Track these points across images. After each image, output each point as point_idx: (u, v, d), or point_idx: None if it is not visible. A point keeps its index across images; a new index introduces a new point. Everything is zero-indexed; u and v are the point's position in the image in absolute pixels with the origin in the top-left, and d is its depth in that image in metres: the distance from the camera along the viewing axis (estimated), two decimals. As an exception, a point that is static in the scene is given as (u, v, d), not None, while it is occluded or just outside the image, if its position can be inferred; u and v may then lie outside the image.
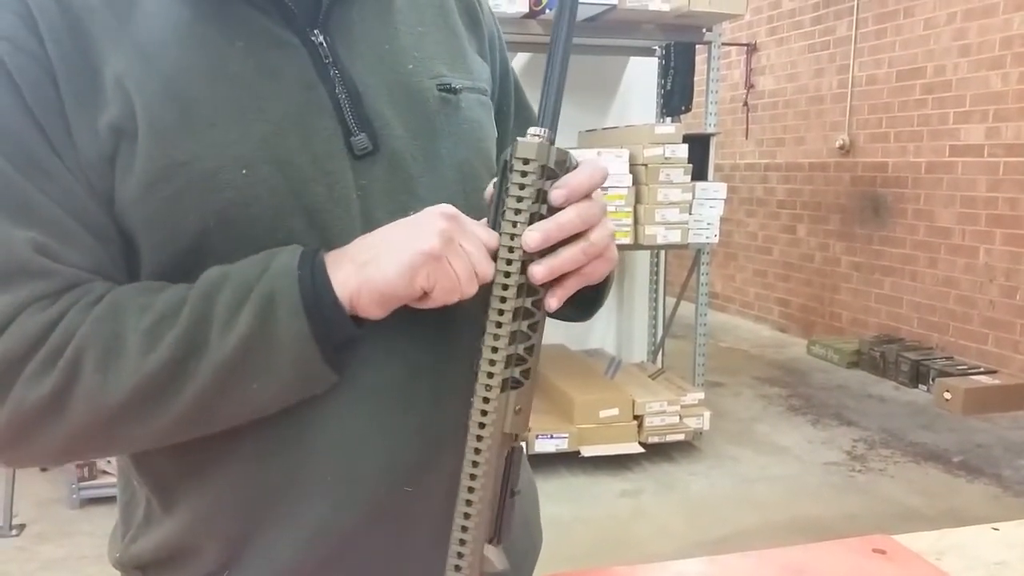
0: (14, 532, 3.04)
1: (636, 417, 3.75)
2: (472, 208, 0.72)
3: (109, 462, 3.28)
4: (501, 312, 0.60)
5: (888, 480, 3.67)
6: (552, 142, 0.61)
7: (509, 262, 0.60)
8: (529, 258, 0.60)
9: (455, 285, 0.59)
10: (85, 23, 0.61)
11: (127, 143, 0.61)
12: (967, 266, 5.02)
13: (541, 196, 0.60)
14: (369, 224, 0.66)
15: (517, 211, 0.60)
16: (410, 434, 0.68)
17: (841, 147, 5.94)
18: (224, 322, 0.59)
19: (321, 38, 0.67)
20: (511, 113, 0.87)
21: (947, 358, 5.05)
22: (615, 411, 3.71)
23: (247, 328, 0.58)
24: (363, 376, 0.65)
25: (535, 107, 0.67)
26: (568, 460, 3.62)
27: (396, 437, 0.67)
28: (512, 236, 0.60)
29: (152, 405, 0.59)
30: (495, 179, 0.64)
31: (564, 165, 0.62)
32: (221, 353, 0.58)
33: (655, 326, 4.67)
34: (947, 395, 4.58)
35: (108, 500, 3.21)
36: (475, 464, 0.62)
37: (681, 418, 3.84)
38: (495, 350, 0.61)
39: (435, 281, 0.59)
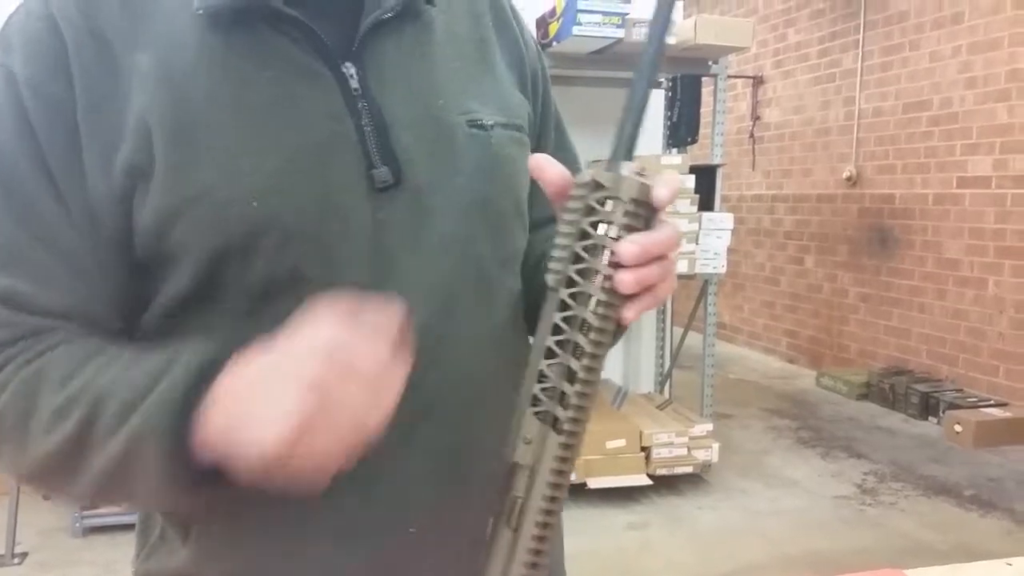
0: (16, 560, 3.02)
1: (643, 448, 3.72)
2: (494, 244, 0.72)
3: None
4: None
5: (899, 514, 3.63)
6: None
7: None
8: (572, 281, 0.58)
9: (333, 451, 0.52)
10: (119, 59, 0.62)
11: (143, 181, 0.61)
12: (976, 298, 5.00)
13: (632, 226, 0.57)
14: (381, 259, 0.65)
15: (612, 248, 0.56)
16: (419, 477, 0.67)
17: (848, 178, 5.95)
18: (103, 436, 0.57)
19: (353, 70, 0.67)
20: (549, 148, 0.85)
21: (957, 390, 5.00)
22: (622, 442, 3.68)
23: (116, 458, 0.57)
24: None
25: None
26: (574, 491, 3.58)
27: (405, 480, 0.67)
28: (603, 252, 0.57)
29: (61, 478, 0.61)
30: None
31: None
32: (100, 463, 0.58)
33: (662, 356, 4.65)
34: (957, 428, 4.54)
35: (111, 529, 3.19)
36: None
37: (689, 450, 3.81)
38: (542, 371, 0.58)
39: (309, 453, 0.51)
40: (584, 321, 0.57)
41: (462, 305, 0.69)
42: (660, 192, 0.57)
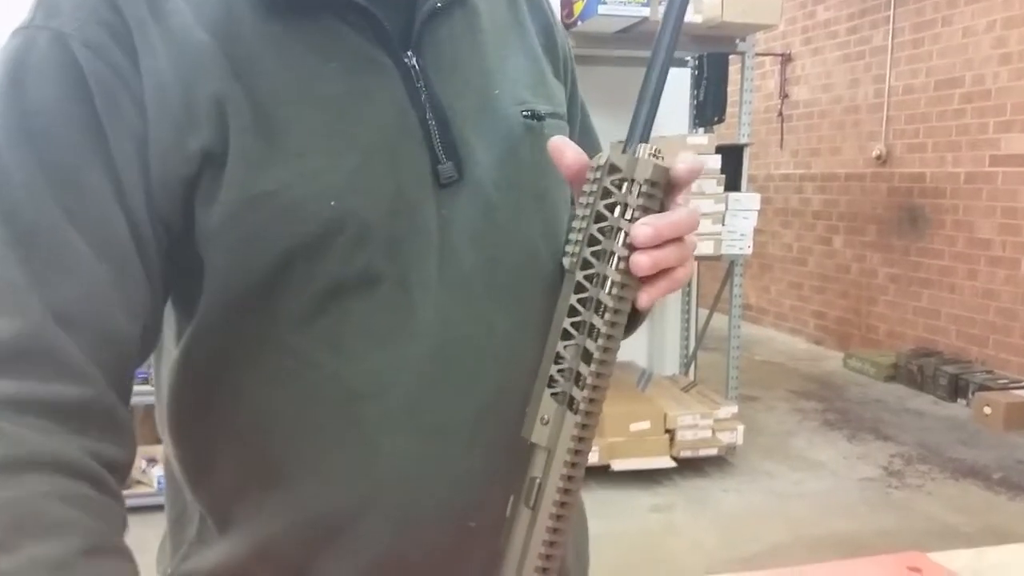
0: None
1: (668, 431, 3.72)
2: (549, 238, 0.71)
3: (144, 471, 3.32)
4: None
5: (925, 496, 3.60)
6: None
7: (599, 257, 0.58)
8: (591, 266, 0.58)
9: None
10: (183, 35, 0.58)
11: (213, 170, 0.58)
12: (1008, 278, 4.92)
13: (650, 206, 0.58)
14: (447, 254, 0.64)
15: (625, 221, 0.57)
16: (473, 474, 0.66)
17: (878, 157, 5.87)
18: None
19: (414, 60, 0.65)
20: (576, 132, 0.84)
21: (987, 372, 4.94)
22: (646, 424, 3.68)
23: None
24: (429, 416, 0.64)
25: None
26: (598, 474, 3.59)
27: (459, 476, 0.66)
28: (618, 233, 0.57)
29: None
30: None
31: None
32: None
33: (687, 338, 4.63)
34: (987, 410, 4.48)
35: (142, 510, 3.24)
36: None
37: (714, 432, 3.80)
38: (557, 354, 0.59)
39: None
40: (600, 302, 0.57)
41: (522, 300, 0.68)
42: (679, 170, 0.57)
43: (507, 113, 0.69)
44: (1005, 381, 4.75)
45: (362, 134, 0.62)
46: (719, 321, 4.41)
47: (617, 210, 0.57)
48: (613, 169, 0.57)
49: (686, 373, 4.56)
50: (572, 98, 0.83)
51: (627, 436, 3.65)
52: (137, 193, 0.57)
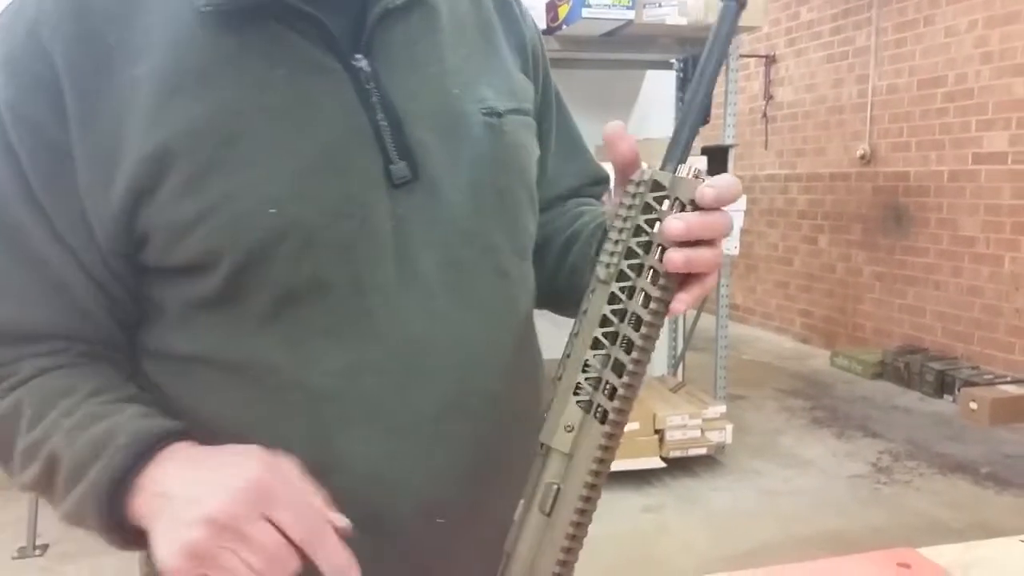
0: (38, 552, 3.05)
1: (657, 431, 3.73)
2: (510, 234, 0.72)
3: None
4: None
5: (914, 492, 3.62)
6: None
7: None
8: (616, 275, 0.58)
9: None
10: (115, 69, 0.60)
11: (148, 195, 0.60)
12: (992, 274, 4.96)
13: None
14: (404, 254, 0.65)
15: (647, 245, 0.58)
16: (439, 471, 0.67)
17: (862, 157, 5.90)
18: (61, 492, 0.61)
19: (364, 62, 0.65)
20: (552, 129, 0.85)
21: (973, 368, 4.98)
22: (635, 425, 3.68)
23: (70, 510, 0.61)
24: (390, 416, 0.65)
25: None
26: (589, 474, 3.58)
27: (424, 474, 0.67)
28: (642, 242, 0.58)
29: (48, 499, 0.64)
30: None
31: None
32: (63, 507, 0.62)
33: (675, 339, 4.65)
34: (973, 405, 4.51)
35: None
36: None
37: (703, 432, 3.81)
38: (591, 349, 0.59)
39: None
40: (635, 315, 0.58)
41: (483, 297, 0.69)
42: (705, 192, 0.57)
43: (465, 111, 0.70)
44: (990, 377, 4.79)
45: (306, 140, 0.62)
46: (706, 321, 4.43)
47: (657, 226, 0.57)
48: (656, 186, 0.58)
49: (675, 373, 4.56)
50: (545, 94, 0.84)
51: (617, 437, 3.64)
52: (76, 234, 0.61)
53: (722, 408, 3.92)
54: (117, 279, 0.64)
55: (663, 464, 3.69)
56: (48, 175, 0.60)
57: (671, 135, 0.59)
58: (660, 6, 3.49)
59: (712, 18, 3.69)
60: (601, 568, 2.81)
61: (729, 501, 3.55)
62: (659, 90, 4.38)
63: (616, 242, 0.58)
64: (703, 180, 0.57)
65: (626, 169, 0.60)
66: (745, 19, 3.68)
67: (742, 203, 3.81)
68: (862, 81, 5.94)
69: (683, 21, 3.58)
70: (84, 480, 0.58)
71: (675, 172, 0.58)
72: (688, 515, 3.42)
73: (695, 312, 4.45)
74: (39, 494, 0.64)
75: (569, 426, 0.59)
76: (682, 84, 4.25)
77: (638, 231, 0.58)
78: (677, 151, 0.58)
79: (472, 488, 0.69)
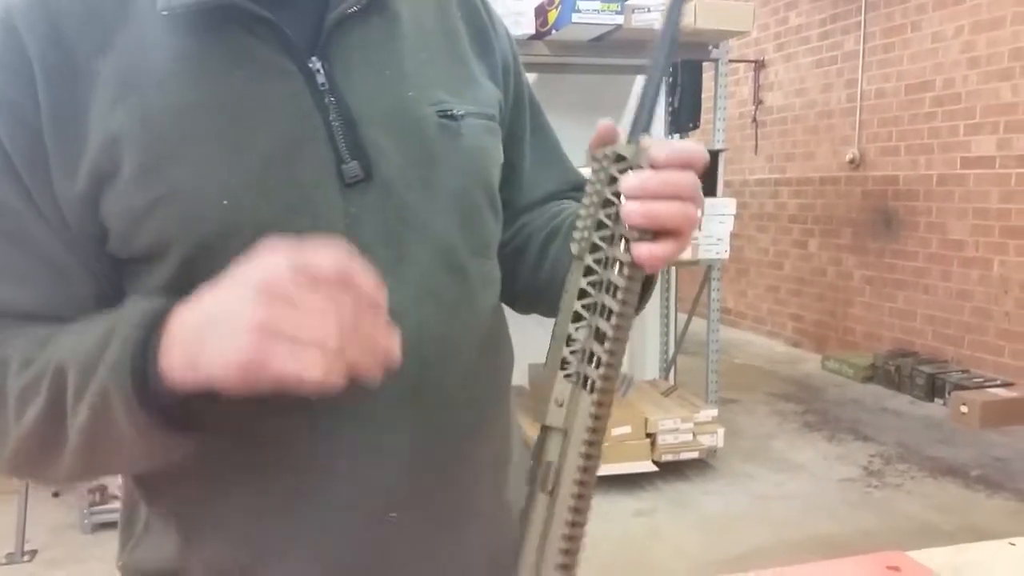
0: (26, 558, 3.04)
1: (649, 435, 3.73)
2: (467, 234, 0.72)
3: (120, 487, 3.28)
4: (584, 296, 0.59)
5: (905, 496, 3.63)
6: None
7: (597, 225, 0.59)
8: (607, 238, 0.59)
9: (298, 382, 0.51)
10: (82, 66, 0.62)
11: (109, 184, 0.62)
12: (981, 278, 4.99)
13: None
14: (357, 252, 0.65)
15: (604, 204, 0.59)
16: (401, 464, 0.68)
17: (851, 161, 5.93)
18: (73, 404, 0.58)
19: (319, 65, 0.67)
20: (526, 135, 0.86)
21: (963, 371, 5.00)
22: (627, 429, 3.68)
23: (90, 419, 0.57)
24: (345, 407, 0.65)
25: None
26: (581, 479, 3.58)
27: (387, 468, 0.67)
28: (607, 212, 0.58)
29: (39, 460, 0.62)
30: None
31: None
32: (76, 435, 0.59)
33: (667, 343, 4.65)
34: (963, 408, 4.53)
35: (112, 526, 3.20)
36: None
37: (695, 435, 3.81)
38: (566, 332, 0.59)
39: (272, 380, 0.51)
40: (610, 283, 0.58)
41: (440, 295, 0.70)
42: (658, 152, 0.58)
43: (421, 114, 0.71)
44: (980, 380, 4.81)
45: (259, 137, 0.64)
46: (698, 325, 4.44)
47: (623, 196, 0.58)
48: (619, 158, 0.59)
49: (666, 377, 4.57)
50: (518, 102, 0.85)
51: (608, 441, 3.64)
52: (54, 217, 0.62)
53: (714, 412, 3.92)
54: (101, 265, 0.65)
55: (655, 468, 3.69)
56: (30, 156, 0.62)
57: (636, 110, 0.60)
58: (648, 11, 3.50)
59: (701, 24, 3.69)
60: (593, 571, 2.80)
61: (721, 505, 3.55)
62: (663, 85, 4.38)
63: (586, 216, 0.60)
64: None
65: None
66: (734, 24, 3.71)
67: (732, 207, 3.82)
68: (851, 86, 5.97)
69: (672, 26, 3.59)
70: (101, 367, 0.56)
71: (638, 143, 0.59)
72: (680, 519, 3.42)
73: (686, 316, 4.46)
74: (41, 439, 0.60)
75: (559, 400, 0.59)
76: (671, 89, 4.27)
77: (606, 203, 0.59)
78: (640, 123, 0.59)
79: (429, 487, 0.70)
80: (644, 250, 0.57)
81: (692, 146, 0.59)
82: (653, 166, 0.58)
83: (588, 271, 0.59)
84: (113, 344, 0.56)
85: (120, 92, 0.62)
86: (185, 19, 0.63)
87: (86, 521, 3.22)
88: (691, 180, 0.59)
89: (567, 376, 0.59)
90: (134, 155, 0.61)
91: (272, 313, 0.50)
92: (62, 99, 0.62)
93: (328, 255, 0.52)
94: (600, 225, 0.59)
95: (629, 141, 0.60)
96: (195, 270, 0.62)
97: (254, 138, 0.64)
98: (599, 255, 0.59)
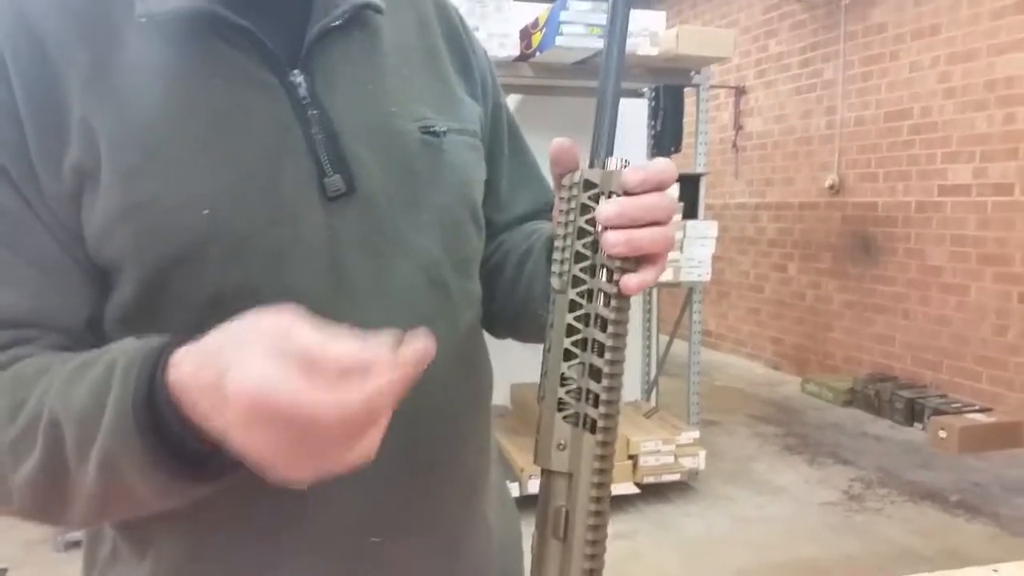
0: (-2, 578, 2.99)
1: (630, 457, 3.72)
2: (449, 250, 0.72)
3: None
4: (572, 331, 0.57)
5: (885, 520, 3.64)
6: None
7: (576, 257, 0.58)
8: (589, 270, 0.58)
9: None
10: (57, 63, 0.61)
11: (91, 183, 0.60)
12: (959, 304, 5.04)
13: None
14: (337, 267, 0.65)
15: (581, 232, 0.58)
16: (371, 484, 0.66)
17: (831, 187, 6.00)
18: (76, 465, 0.54)
19: (300, 78, 0.66)
20: (504, 152, 0.86)
21: (941, 396, 5.03)
22: (609, 451, 3.67)
23: (99, 481, 0.53)
24: None
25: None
26: (562, 501, 3.56)
27: (355, 487, 0.65)
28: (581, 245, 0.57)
29: (51, 506, 0.57)
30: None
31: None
32: (85, 487, 0.54)
33: (648, 364, 4.65)
34: (942, 433, 4.56)
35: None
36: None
37: (676, 458, 3.81)
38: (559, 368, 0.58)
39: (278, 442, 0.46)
40: (598, 316, 0.57)
41: (420, 311, 0.69)
42: (630, 176, 0.57)
43: (404, 130, 0.70)
44: (959, 405, 4.85)
45: (240, 148, 0.63)
46: (679, 347, 4.45)
47: (599, 226, 0.57)
48: (588, 185, 0.58)
49: (648, 399, 4.57)
50: (496, 121, 0.85)
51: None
52: (47, 215, 0.61)
53: (695, 434, 3.92)
54: (85, 269, 0.63)
55: (637, 490, 3.68)
56: (17, 153, 0.61)
57: (593, 132, 0.59)
58: (632, 36, 3.54)
59: (683, 49, 3.72)
60: (574, 596, 2.78)
61: (702, 528, 3.55)
62: (631, 118, 4.43)
63: (563, 249, 0.58)
64: (631, 166, 0.58)
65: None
66: (715, 50, 3.76)
67: (713, 230, 3.84)
68: (830, 112, 6.05)
69: (654, 51, 3.64)
70: (101, 434, 0.52)
71: (604, 167, 0.58)
72: (661, 541, 3.41)
73: (668, 338, 4.47)
74: (46, 489, 0.55)
75: (561, 444, 0.58)
76: (653, 113, 4.31)
77: (581, 233, 0.58)
78: (602, 145, 0.59)
79: (411, 507, 0.69)
80: (634, 282, 0.57)
81: (663, 166, 0.59)
82: (626, 191, 0.57)
83: (573, 305, 0.58)
84: (110, 403, 0.52)
85: (98, 90, 0.61)
86: (164, 26, 0.62)
87: (59, 538, 3.17)
88: (667, 202, 0.58)
89: (566, 418, 0.58)
90: (110, 157, 0.60)
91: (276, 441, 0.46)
92: (39, 92, 0.61)
93: (348, 354, 0.46)
94: (579, 257, 0.58)
95: (592, 164, 0.59)
96: (169, 281, 0.61)
97: (234, 149, 0.63)
98: (582, 288, 0.58)
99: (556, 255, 0.59)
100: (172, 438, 0.51)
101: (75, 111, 0.61)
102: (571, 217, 0.58)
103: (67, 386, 0.55)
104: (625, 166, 0.58)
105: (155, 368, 0.51)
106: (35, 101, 0.61)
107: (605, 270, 0.57)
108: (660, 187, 0.58)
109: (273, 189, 0.63)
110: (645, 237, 0.57)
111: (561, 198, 0.59)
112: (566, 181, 0.59)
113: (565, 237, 0.58)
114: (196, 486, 0.54)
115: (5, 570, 3.04)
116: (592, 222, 0.57)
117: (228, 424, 0.46)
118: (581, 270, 0.58)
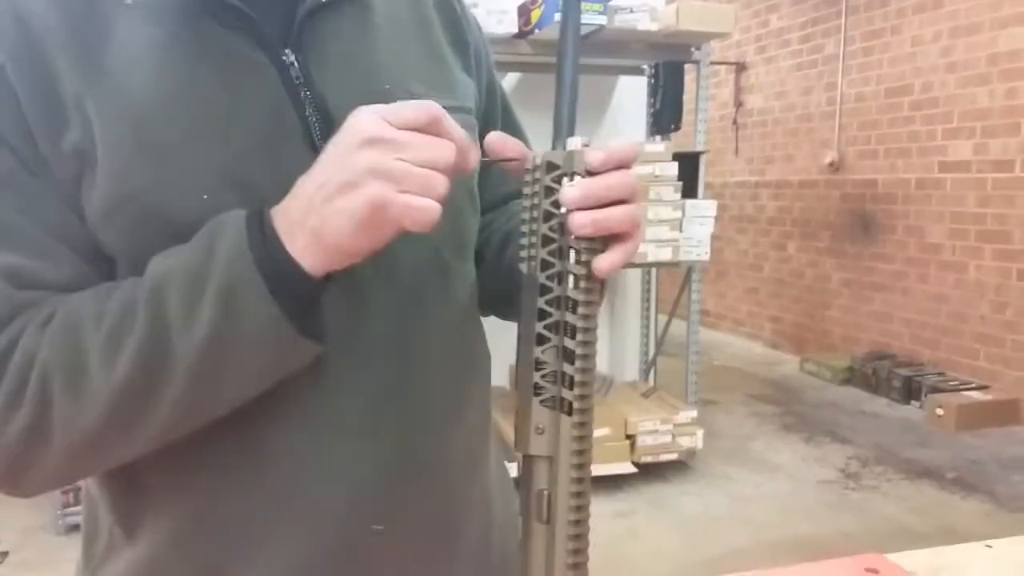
0: (-2, 559, 3.00)
1: (628, 436, 3.73)
2: (449, 231, 0.71)
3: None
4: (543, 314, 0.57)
5: (882, 498, 3.66)
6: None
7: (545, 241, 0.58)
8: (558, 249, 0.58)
9: (422, 215, 0.54)
10: (46, 45, 0.60)
11: (89, 164, 0.60)
12: (957, 281, 5.04)
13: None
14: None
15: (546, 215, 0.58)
16: (371, 472, 0.66)
17: (831, 164, 5.97)
18: (183, 323, 0.56)
19: (293, 57, 0.65)
20: (497, 130, 0.85)
21: (939, 374, 5.05)
22: (607, 431, 3.68)
23: (211, 327, 0.55)
24: (317, 411, 0.64)
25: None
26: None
27: (354, 474, 0.66)
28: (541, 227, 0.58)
29: (132, 416, 0.57)
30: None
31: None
32: (188, 355, 0.56)
33: (647, 344, 4.65)
34: (939, 411, 4.57)
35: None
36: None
37: (674, 437, 3.82)
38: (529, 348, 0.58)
39: (397, 220, 0.54)
40: (569, 299, 0.57)
41: (418, 290, 0.69)
42: (593, 156, 0.57)
43: None
44: (956, 383, 4.86)
45: (237, 129, 0.62)
46: (678, 327, 4.44)
47: (563, 207, 0.57)
48: (551, 167, 0.58)
49: (646, 379, 4.58)
50: (490, 96, 0.84)
51: (588, 443, 3.64)
52: (62, 195, 0.60)
53: (693, 413, 3.93)
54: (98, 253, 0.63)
55: (634, 469, 3.70)
56: (25, 137, 0.60)
57: (554, 113, 0.59)
58: (631, 12, 3.51)
59: (684, 24, 3.69)
60: (572, 575, 2.80)
61: (700, 506, 3.56)
62: (630, 95, 4.40)
63: (530, 233, 0.58)
64: (592, 147, 0.57)
65: (519, 168, 0.61)
66: (715, 26, 3.72)
67: (712, 209, 3.83)
68: (831, 89, 6.01)
69: (654, 27, 3.60)
70: (215, 268, 0.55)
71: (565, 148, 0.58)
72: (659, 520, 3.42)
73: (667, 318, 4.47)
74: (145, 374, 0.56)
75: (539, 428, 0.58)
76: (653, 90, 4.28)
77: (547, 216, 0.58)
78: (563, 127, 0.59)
79: (411, 495, 0.68)
80: (604, 263, 0.57)
81: (624, 144, 0.58)
82: (590, 172, 0.57)
83: (543, 289, 0.58)
84: (225, 238, 0.56)
85: (89, 80, 0.60)
86: (152, 8, 0.61)
87: (59, 522, 3.18)
88: (630, 180, 0.58)
89: (543, 402, 0.58)
90: (104, 143, 0.59)
91: (380, 152, 0.53)
92: (34, 77, 0.59)
93: (416, 106, 0.55)
94: (546, 240, 0.58)
95: (554, 146, 0.58)
96: None
97: (229, 130, 0.62)
98: (551, 271, 0.58)
99: (524, 240, 0.59)
100: (283, 269, 0.56)
101: (69, 93, 0.60)
102: (536, 201, 0.58)
103: (164, 257, 0.57)
104: (586, 145, 0.58)
105: (261, 216, 0.57)
106: (28, 81, 0.59)
107: (573, 251, 0.57)
108: (622, 165, 0.58)
109: (271, 171, 0.62)
110: (612, 216, 0.57)
111: (525, 181, 0.59)
112: (529, 164, 0.59)
113: (532, 221, 0.58)
114: (304, 323, 0.57)
115: (6, 553, 3.06)
116: (557, 204, 0.57)
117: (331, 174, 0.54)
118: (549, 253, 0.58)
